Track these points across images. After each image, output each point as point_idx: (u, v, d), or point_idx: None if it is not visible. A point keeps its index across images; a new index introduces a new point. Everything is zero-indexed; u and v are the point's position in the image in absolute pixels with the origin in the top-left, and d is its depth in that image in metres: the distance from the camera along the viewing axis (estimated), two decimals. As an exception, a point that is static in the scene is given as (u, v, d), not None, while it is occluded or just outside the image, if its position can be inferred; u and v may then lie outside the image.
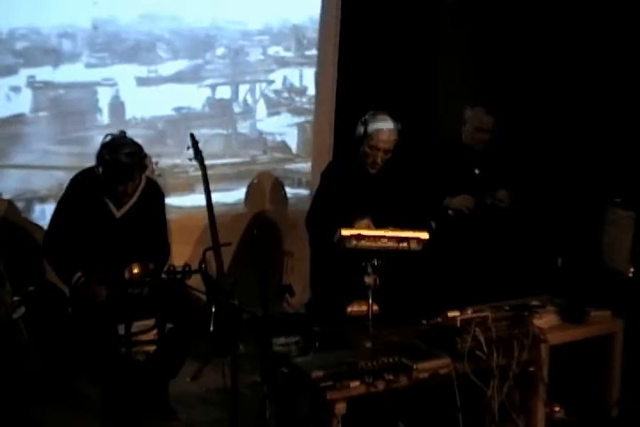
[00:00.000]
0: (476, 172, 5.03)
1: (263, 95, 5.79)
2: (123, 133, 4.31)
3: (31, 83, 5.02)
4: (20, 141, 5.05)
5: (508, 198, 4.98)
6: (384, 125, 4.59)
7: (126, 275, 3.98)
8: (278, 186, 5.90)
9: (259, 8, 5.60)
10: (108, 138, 4.25)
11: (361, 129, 4.63)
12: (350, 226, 4.34)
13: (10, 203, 5.02)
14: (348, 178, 4.69)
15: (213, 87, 5.61)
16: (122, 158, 4.16)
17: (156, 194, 4.51)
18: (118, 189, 4.26)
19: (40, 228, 4.93)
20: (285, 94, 5.87)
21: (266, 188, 5.86)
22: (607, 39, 5.38)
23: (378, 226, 4.42)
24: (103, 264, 4.23)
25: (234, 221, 5.61)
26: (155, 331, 4.43)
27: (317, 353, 4.03)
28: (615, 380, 4.17)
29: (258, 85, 5.76)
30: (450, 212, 4.94)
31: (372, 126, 4.59)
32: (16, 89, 5.00)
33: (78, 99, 5.17)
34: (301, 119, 5.95)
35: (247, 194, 5.77)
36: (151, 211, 4.45)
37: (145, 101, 5.36)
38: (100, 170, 4.21)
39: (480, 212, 4.94)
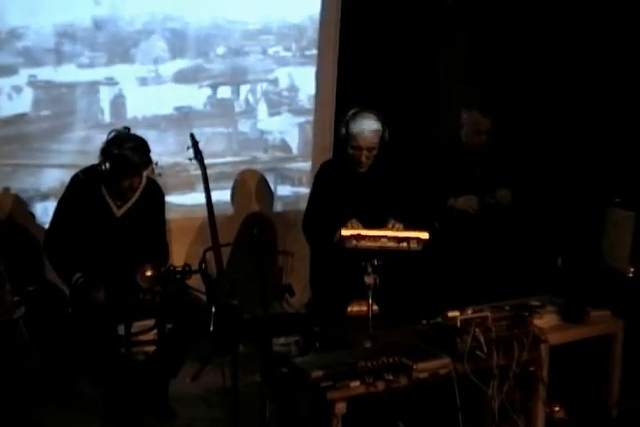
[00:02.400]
0: (477, 172, 5.04)
1: (264, 95, 5.79)
2: (127, 129, 4.33)
3: (32, 82, 5.03)
4: (22, 140, 5.05)
5: (509, 197, 4.99)
6: (365, 125, 4.56)
7: (139, 277, 3.98)
8: (263, 184, 5.89)
9: (259, 8, 5.60)
10: (113, 133, 4.28)
11: (343, 130, 4.62)
12: (344, 225, 4.35)
13: (16, 197, 5.05)
14: (339, 178, 4.68)
15: (214, 87, 5.61)
16: (129, 152, 4.19)
17: (156, 193, 4.53)
18: (123, 185, 4.27)
19: (41, 227, 4.94)
20: (286, 94, 5.87)
21: (251, 186, 5.85)
22: (607, 39, 5.38)
23: (370, 225, 4.41)
24: (103, 264, 4.24)
25: (234, 221, 5.61)
26: (155, 331, 4.43)
27: (317, 353, 4.04)
28: (615, 380, 4.15)
29: (258, 85, 5.76)
30: (455, 212, 4.95)
31: (353, 127, 4.57)
32: (17, 88, 5.00)
33: (80, 98, 5.18)
34: (302, 119, 5.94)
35: (233, 194, 5.76)
36: (151, 210, 4.46)
37: (146, 101, 5.37)
38: (107, 165, 4.22)
39: (484, 211, 4.95)
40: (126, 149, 4.19)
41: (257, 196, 5.86)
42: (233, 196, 5.74)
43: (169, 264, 3.97)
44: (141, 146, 4.26)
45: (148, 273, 3.97)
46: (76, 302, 4.27)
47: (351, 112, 4.64)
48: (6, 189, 5.02)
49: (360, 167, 4.67)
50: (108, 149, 4.22)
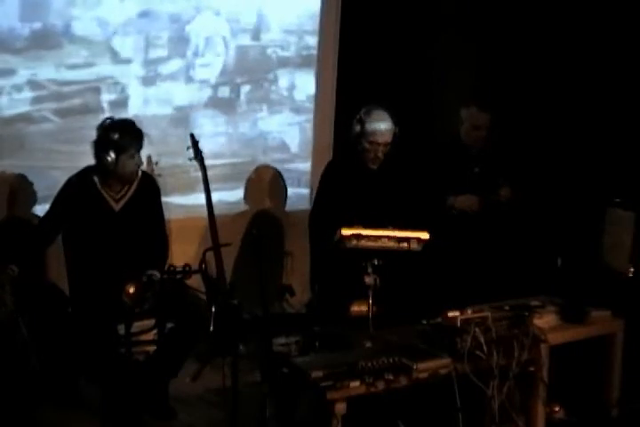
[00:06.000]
0: (476, 170, 5.04)
1: (264, 95, 5.80)
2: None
3: (33, 81, 5.02)
4: (22, 140, 5.05)
5: (509, 195, 4.99)
6: (381, 122, 4.57)
7: (124, 298, 4.02)
8: (278, 181, 5.90)
9: (259, 8, 5.62)
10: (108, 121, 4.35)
11: (357, 127, 4.61)
12: (353, 224, 4.34)
13: (16, 197, 5.05)
14: (348, 176, 4.68)
15: (214, 87, 5.61)
16: (119, 131, 4.27)
17: (152, 187, 4.54)
18: (118, 168, 4.26)
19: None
20: (285, 94, 5.88)
21: (265, 183, 5.86)
22: (607, 39, 5.38)
23: (379, 222, 4.40)
24: (105, 261, 4.25)
25: (234, 221, 5.61)
26: (155, 331, 4.43)
27: (317, 353, 4.03)
28: (615, 380, 4.16)
29: (258, 85, 5.77)
30: (454, 211, 4.95)
31: (369, 124, 4.57)
32: (18, 88, 4.99)
33: (80, 98, 5.17)
34: (301, 119, 5.95)
35: (246, 190, 5.78)
36: (149, 204, 4.48)
37: (146, 100, 5.38)
38: (100, 146, 4.27)
39: (485, 210, 4.95)
40: (117, 130, 4.26)
41: (270, 193, 5.88)
42: (246, 192, 5.77)
43: (169, 264, 3.97)
44: (130, 126, 4.32)
45: (131, 290, 4.01)
46: (76, 302, 4.27)
47: (364, 109, 4.63)
48: (5, 189, 5.01)
49: (373, 163, 4.66)
50: (101, 135, 4.28)
